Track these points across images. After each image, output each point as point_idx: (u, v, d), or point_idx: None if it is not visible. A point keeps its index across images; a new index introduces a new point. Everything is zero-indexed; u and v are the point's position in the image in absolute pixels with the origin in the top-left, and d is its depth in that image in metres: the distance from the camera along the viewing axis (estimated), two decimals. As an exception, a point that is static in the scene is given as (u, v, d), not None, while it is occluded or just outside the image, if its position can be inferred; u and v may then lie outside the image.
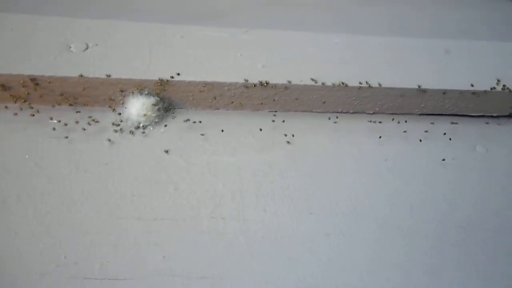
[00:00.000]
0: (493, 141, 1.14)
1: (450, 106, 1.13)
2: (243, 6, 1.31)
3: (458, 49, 1.16)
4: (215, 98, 1.05)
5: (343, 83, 1.05)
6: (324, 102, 1.09)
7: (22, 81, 0.97)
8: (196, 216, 0.93)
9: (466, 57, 1.14)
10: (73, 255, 0.85)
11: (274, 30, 1.13)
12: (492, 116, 1.18)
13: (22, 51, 0.99)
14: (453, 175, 1.07)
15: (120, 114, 1.02)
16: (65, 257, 0.85)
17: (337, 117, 1.11)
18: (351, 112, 1.13)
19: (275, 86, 1.04)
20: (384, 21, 1.34)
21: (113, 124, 1.01)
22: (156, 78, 1.00)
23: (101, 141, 0.99)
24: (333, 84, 1.05)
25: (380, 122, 1.12)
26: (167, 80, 1.00)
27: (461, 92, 1.10)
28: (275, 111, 1.11)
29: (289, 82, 1.04)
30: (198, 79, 1.01)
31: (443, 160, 1.08)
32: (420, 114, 1.15)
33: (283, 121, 1.09)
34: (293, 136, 1.06)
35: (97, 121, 1.02)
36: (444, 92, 1.09)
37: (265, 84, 1.03)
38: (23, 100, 1.00)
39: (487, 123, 1.18)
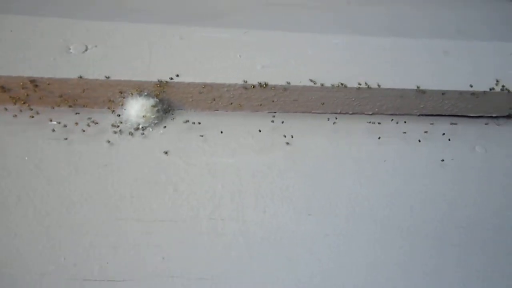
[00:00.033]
0: (493, 142, 1.14)
1: (449, 107, 1.13)
2: (242, 7, 1.31)
3: (457, 49, 1.16)
4: (214, 100, 1.05)
5: (342, 84, 1.05)
6: (323, 103, 1.09)
7: (21, 83, 0.97)
8: (196, 217, 0.93)
9: (465, 58, 1.14)
10: (72, 256, 0.86)
11: (273, 31, 1.13)
12: (491, 117, 1.18)
13: (21, 52, 0.99)
14: (453, 175, 1.07)
15: (119, 115, 1.03)
16: (64, 258, 0.85)
17: (336, 118, 1.11)
18: (350, 113, 1.13)
19: (274, 87, 1.04)
20: (383, 22, 1.34)
21: (112, 125, 1.01)
22: (155, 79, 1.00)
23: (100, 142, 1.00)
24: (332, 85, 1.05)
25: (379, 123, 1.13)
26: (166, 82, 1.00)
27: (460, 93, 1.10)
28: (274, 112, 1.11)
29: (288, 83, 1.04)
30: (197, 80, 1.01)
31: (442, 160, 1.08)
32: (419, 115, 1.15)
33: (282, 122, 1.09)
34: (292, 137, 1.06)
35: (97, 123, 1.02)
36: (443, 92, 1.09)
37: (264, 85, 1.03)
38: (22, 102, 1.00)
39: (486, 123, 1.18)
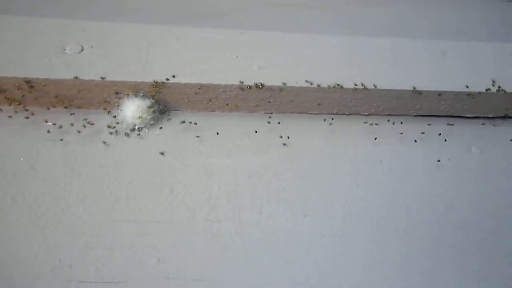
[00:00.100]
0: (489, 142, 1.14)
1: (445, 108, 1.14)
2: (238, 8, 1.31)
3: (453, 50, 1.16)
4: (210, 100, 1.05)
5: (338, 85, 1.05)
6: (320, 104, 1.09)
7: (16, 84, 0.96)
8: (192, 218, 0.93)
9: (462, 58, 1.15)
10: (68, 258, 0.85)
11: (270, 32, 1.13)
12: (487, 117, 1.18)
13: (16, 53, 0.99)
14: (449, 176, 1.07)
15: (115, 116, 1.02)
16: (60, 260, 0.85)
17: (332, 119, 1.11)
18: (347, 113, 1.13)
19: (270, 88, 1.04)
20: (380, 23, 1.34)
21: (108, 126, 1.01)
22: (151, 80, 1.00)
23: (96, 143, 0.99)
24: (329, 86, 1.05)
25: (376, 124, 1.12)
26: (163, 82, 1.00)
27: (457, 94, 1.10)
28: (271, 113, 1.11)
29: (285, 84, 1.04)
30: (194, 81, 1.01)
31: (438, 161, 1.08)
32: (415, 116, 1.16)
33: (279, 123, 1.09)
34: (288, 138, 1.06)
35: (92, 124, 1.01)
36: (440, 93, 1.09)
37: (261, 86, 1.03)
38: (17, 103, 1.00)
39: (483, 124, 1.18)
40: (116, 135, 1.01)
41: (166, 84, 1.00)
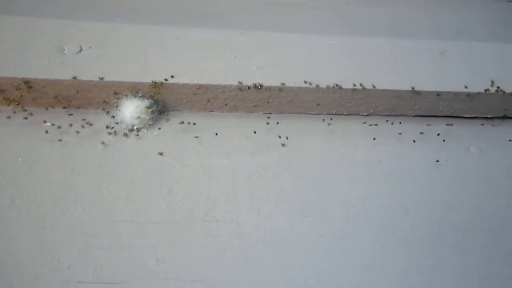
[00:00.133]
0: (488, 143, 1.14)
1: (444, 108, 1.14)
2: (237, 8, 1.31)
3: (452, 50, 1.16)
4: (209, 101, 1.05)
5: (337, 85, 1.05)
6: (318, 104, 1.09)
7: (15, 84, 0.96)
8: (190, 218, 0.93)
9: (460, 59, 1.14)
10: (66, 258, 0.85)
11: (269, 32, 1.13)
12: (486, 118, 1.18)
13: (15, 53, 0.99)
14: (448, 176, 1.07)
15: (114, 117, 1.02)
16: (58, 260, 0.85)
17: (331, 119, 1.11)
18: (346, 114, 1.13)
19: (269, 88, 1.04)
20: (379, 23, 1.34)
21: (107, 127, 1.01)
22: (150, 80, 1.00)
23: (95, 144, 0.99)
24: (327, 86, 1.05)
25: (376, 125, 1.12)
26: (161, 83, 1.00)
27: (455, 94, 1.10)
28: (270, 113, 1.11)
29: (283, 84, 1.03)
30: (192, 81, 1.01)
31: (437, 161, 1.08)
32: (414, 116, 1.15)
33: (277, 123, 1.09)
34: (287, 138, 1.06)
35: (91, 124, 1.01)
36: (438, 93, 1.09)
37: (259, 87, 1.03)
38: (16, 103, 1.00)
39: (482, 124, 1.18)
40: (115, 135, 1.01)
41: (164, 85, 1.00)
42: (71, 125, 1.00)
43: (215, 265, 0.88)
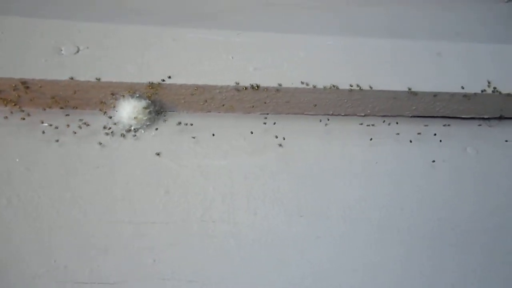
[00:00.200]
0: (485, 143, 1.14)
1: (441, 109, 1.14)
2: (234, 9, 1.31)
3: (449, 51, 1.16)
4: (206, 101, 1.05)
5: (334, 86, 1.05)
6: (315, 105, 1.09)
7: (12, 85, 0.96)
8: (187, 219, 0.93)
9: (457, 59, 1.15)
10: (63, 259, 0.86)
11: (266, 32, 1.13)
12: (483, 118, 1.19)
13: (12, 54, 0.99)
14: (445, 176, 1.07)
15: (111, 117, 1.02)
16: (55, 261, 0.85)
17: (328, 120, 1.12)
18: (342, 114, 1.13)
19: (266, 89, 1.04)
20: (376, 24, 1.34)
21: (104, 127, 1.01)
22: (147, 81, 1.00)
23: (92, 144, 0.99)
24: (324, 87, 1.05)
25: (373, 125, 1.13)
26: (159, 83, 1.00)
27: (452, 95, 1.10)
28: (267, 114, 1.11)
29: (280, 85, 1.04)
30: (190, 82, 1.01)
31: (433, 161, 1.08)
32: (411, 117, 1.16)
33: (274, 123, 1.09)
34: (284, 138, 1.06)
35: (88, 124, 1.01)
36: (435, 94, 1.09)
37: (257, 87, 1.03)
38: (13, 104, 1.00)
39: (479, 125, 1.18)
40: (112, 136, 1.01)
41: (162, 85, 1.00)
42: (68, 125, 1.00)
43: (212, 265, 0.89)
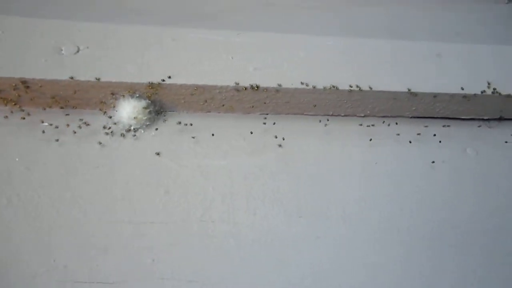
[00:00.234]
0: (484, 144, 1.14)
1: (441, 110, 1.14)
2: (234, 9, 1.31)
3: (449, 52, 1.16)
4: (206, 101, 1.05)
5: (334, 86, 1.05)
6: (315, 105, 1.09)
7: (13, 84, 0.96)
8: (187, 219, 0.93)
9: (457, 60, 1.15)
10: (62, 258, 0.86)
11: (266, 33, 1.13)
12: (483, 119, 1.19)
13: (13, 53, 0.99)
14: (444, 177, 1.07)
15: (111, 117, 1.02)
16: (54, 260, 0.85)
17: (328, 120, 1.12)
18: (342, 115, 1.13)
19: (266, 89, 1.04)
20: (375, 24, 1.34)
21: (104, 127, 1.01)
22: (147, 81, 1.00)
23: (92, 144, 0.99)
24: (324, 88, 1.05)
25: (373, 125, 1.12)
26: (158, 83, 1.00)
27: (452, 96, 1.10)
28: (266, 114, 1.11)
29: (280, 85, 1.04)
30: (190, 82, 1.01)
31: (433, 162, 1.08)
32: (411, 117, 1.16)
33: (274, 124, 1.09)
34: (283, 139, 1.06)
35: (88, 124, 1.01)
36: (435, 95, 1.09)
37: (256, 88, 1.03)
38: (13, 103, 1.00)
39: (479, 126, 1.18)
40: (112, 135, 1.01)
41: (162, 85, 1.01)
42: (68, 125, 1.00)
43: (212, 265, 0.89)
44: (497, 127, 1.19)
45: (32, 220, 0.89)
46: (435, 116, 1.16)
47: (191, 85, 1.01)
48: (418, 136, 1.12)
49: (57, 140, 0.99)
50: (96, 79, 0.97)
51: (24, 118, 1.00)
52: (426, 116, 1.16)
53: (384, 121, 1.14)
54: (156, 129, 1.04)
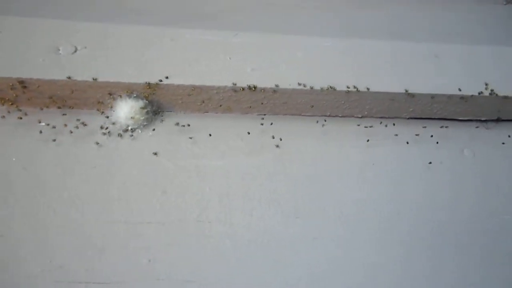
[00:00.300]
0: (482, 145, 1.14)
1: (438, 110, 1.14)
2: (233, 9, 1.31)
3: (446, 53, 1.16)
4: (203, 102, 1.05)
5: (331, 87, 1.05)
6: (313, 106, 1.09)
7: (10, 84, 0.96)
8: (183, 219, 0.93)
9: (455, 61, 1.15)
10: (59, 258, 0.86)
11: (264, 33, 1.13)
12: (480, 120, 1.19)
13: (10, 53, 0.99)
14: (441, 178, 1.07)
15: (108, 117, 1.02)
16: (50, 261, 0.85)
17: (325, 121, 1.12)
18: (340, 116, 1.13)
19: (263, 89, 1.04)
20: (373, 25, 1.34)
21: (101, 127, 1.01)
22: (144, 81, 1.00)
23: (89, 144, 0.99)
24: (322, 88, 1.05)
25: (370, 126, 1.12)
26: (156, 84, 1.00)
27: (449, 97, 1.10)
28: (264, 115, 1.11)
29: (278, 86, 1.04)
30: (187, 82, 1.01)
31: (430, 163, 1.08)
32: (408, 118, 1.16)
33: (271, 124, 1.09)
34: (281, 139, 1.06)
35: (85, 124, 1.01)
36: (433, 96, 1.09)
37: (254, 88, 1.03)
38: (11, 103, 1.00)
39: (477, 127, 1.18)
40: (109, 136, 1.01)
41: (159, 85, 1.01)
42: (65, 125, 1.00)
43: (208, 265, 0.89)
44: (495, 128, 1.19)
45: (28, 220, 0.89)
46: (433, 117, 1.16)
47: (188, 86, 1.02)
48: (416, 137, 1.12)
49: (54, 140, 0.98)
50: (94, 79, 0.97)
51: (21, 118, 1.00)
52: (424, 117, 1.16)
53: (381, 122, 1.14)
54: (154, 129, 1.04)
